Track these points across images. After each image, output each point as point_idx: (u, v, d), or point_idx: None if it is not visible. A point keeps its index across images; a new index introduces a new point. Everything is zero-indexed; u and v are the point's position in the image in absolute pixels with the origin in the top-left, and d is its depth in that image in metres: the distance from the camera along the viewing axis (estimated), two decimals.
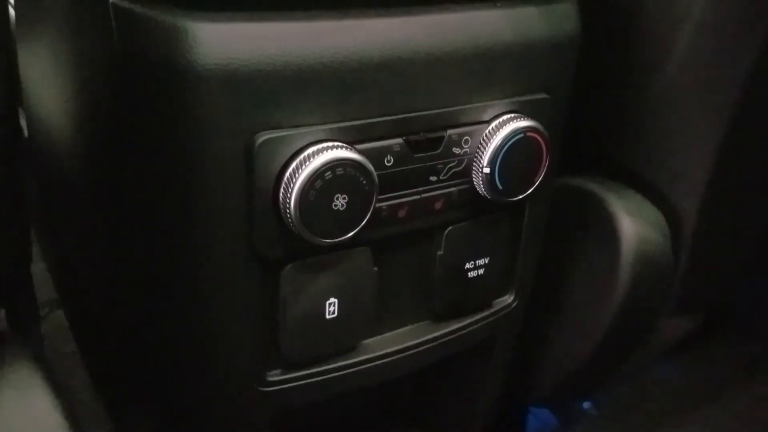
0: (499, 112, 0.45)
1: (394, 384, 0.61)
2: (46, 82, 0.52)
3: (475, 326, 0.53)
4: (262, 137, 0.38)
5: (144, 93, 0.38)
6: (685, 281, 0.62)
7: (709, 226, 0.59)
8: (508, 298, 0.56)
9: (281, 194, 0.39)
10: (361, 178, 0.39)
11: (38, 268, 0.80)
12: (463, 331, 0.53)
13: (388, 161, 0.42)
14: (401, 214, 0.44)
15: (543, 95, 0.47)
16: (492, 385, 0.64)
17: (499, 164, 0.45)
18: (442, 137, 0.43)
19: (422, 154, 0.43)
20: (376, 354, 0.48)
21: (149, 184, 0.41)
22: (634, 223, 0.60)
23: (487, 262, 0.51)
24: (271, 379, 0.45)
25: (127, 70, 0.38)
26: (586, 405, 0.83)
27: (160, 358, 0.49)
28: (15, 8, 0.57)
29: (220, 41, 0.35)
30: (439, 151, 0.44)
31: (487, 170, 0.45)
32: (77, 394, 0.74)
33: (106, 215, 0.48)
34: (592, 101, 0.62)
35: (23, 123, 0.65)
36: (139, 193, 0.42)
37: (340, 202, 0.39)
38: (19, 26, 0.57)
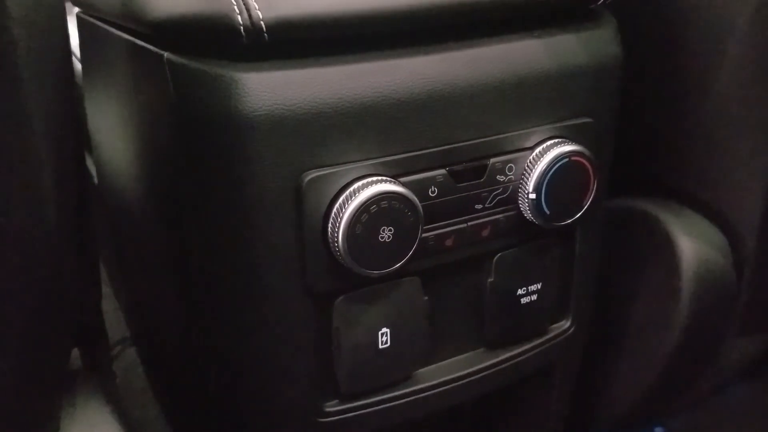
0: (543, 138, 0.46)
1: (455, 414, 0.61)
2: (111, 130, 0.56)
3: (531, 353, 0.53)
4: (310, 176, 0.39)
5: (199, 140, 0.40)
6: (749, 301, 0.60)
7: None
8: (565, 324, 0.55)
9: (329, 229, 0.40)
10: (406, 210, 0.40)
11: (111, 308, 0.84)
12: (519, 358, 0.52)
13: (432, 192, 0.43)
14: (448, 243, 0.45)
15: (587, 119, 0.47)
16: (556, 413, 0.63)
17: (545, 189, 0.45)
18: (486, 166, 0.44)
19: (466, 183, 0.44)
20: (431, 383, 0.49)
21: (208, 225, 0.43)
22: (693, 243, 0.58)
23: (539, 287, 0.51)
24: (328, 409, 0.46)
25: (183, 119, 0.40)
26: (658, 430, 0.80)
27: (224, 391, 0.50)
28: (81, 62, 0.62)
29: (265, 89, 0.37)
30: (482, 179, 0.44)
31: (533, 196, 0.45)
32: (149, 428, 0.76)
33: (171, 257, 0.51)
34: (643, 122, 0.61)
35: (93, 170, 0.69)
36: (199, 234, 0.44)
37: (386, 234, 0.40)
38: (85, 78, 0.61)
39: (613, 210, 0.63)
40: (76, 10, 0.60)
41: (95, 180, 0.69)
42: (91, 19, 0.55)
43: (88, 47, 0.59)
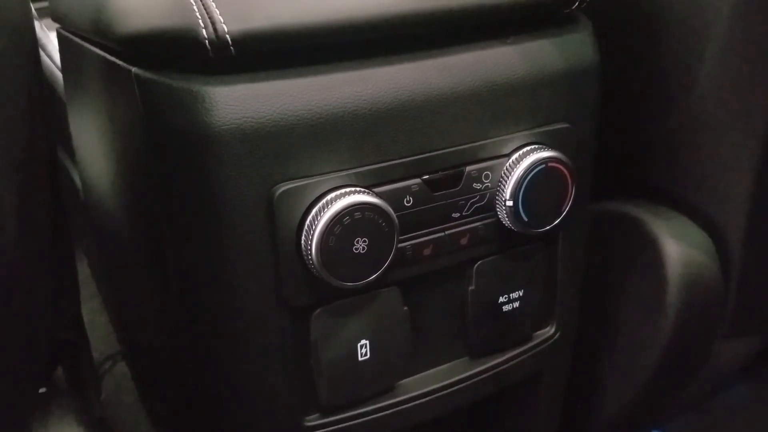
0: (520, 144, 0.45)
1: (443, 422, 0.61)
2: (91, 144, 0.56)
3: (516, 360, 0.52)
4: (281, 188, 0.39)
5: (169, 154, 0.40)
6: (737, 302, 0.59)
7: (758, 243, 0.57)
8: (550, 330, 0.55)
9: (303, 241, 0.40)
10: (381, 221, 0.40)
11: (102, 322, 0.84)
12: (504, 366, 0.52)
13: (408, 201, 0.42)
14: (427, 252, 0.44)
15: (564, 125, 0.47)
16: (546, 419, 0.63)
17: (523, 196, 0.45)
18: (462, 174, 0.44)
19: (442, 192, 0.43)
20: (414, 394, 0.48)
21: (182, 240, 0.43)
22: (679, 246, 0.58)
23: (522, 294, 0.50)
24: (309, 423, 0.46)
25: (152, 133, 0.40)
26: None
27: (206, 405, 0.50)
28: (62, 73, 0.62)
29: (233, 103, 0.37)
30: (459, 188, 0.44)
31: (510, 203, 0.45)
32: None
33: (151, 271, 0.50)
34: (628, 125, 0.61)
35: (79, 181, 0.69)
36: (174, 249, 0.44)
37: (361, 245, 0.40)
38: (67, 92, 0.61)
39: (598, 213, 0.62)
40: (57, 25, 0.60)
41: (81, 194, 0.69)
42: (69, 35, 0.55)
43: (67, 62, 0.59)
